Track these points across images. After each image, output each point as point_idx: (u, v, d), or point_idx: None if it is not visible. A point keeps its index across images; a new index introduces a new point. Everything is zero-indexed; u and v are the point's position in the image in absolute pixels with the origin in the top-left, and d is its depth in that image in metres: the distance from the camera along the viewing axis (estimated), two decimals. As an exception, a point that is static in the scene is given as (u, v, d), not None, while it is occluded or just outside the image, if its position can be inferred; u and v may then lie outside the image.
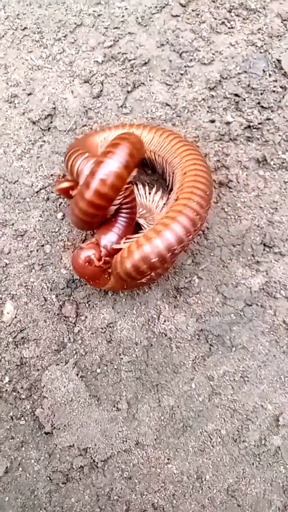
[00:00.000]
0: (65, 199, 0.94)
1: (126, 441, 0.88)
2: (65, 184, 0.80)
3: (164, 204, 0.82)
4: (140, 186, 0.87)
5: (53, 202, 0.93)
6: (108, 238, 0.77)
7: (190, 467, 0.89)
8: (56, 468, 0.88)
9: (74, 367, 0.90)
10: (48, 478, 0.88)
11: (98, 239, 0.77)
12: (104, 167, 0.69)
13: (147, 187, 0.87)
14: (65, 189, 0.79)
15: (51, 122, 0.95)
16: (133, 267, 0.69)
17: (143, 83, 0.97)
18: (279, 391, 0.91)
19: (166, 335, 0.90)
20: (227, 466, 0.89)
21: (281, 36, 0.98)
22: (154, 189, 0.86)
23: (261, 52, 0.97)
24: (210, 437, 0.89)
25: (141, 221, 0.82)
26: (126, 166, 0.69)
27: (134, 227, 0.82)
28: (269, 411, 0.90)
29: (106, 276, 0.78)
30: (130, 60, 0.97)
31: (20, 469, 0.89)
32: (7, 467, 0.89)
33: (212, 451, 0.89)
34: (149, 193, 0.86)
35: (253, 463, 0.89)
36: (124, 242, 0.76)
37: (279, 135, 0.92)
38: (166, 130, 0.87)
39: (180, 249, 0.70)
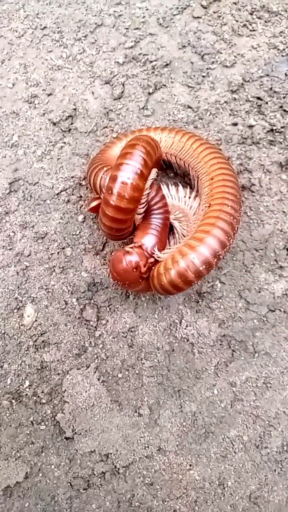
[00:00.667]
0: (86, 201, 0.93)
1: (148, 447, 0.88)
2: (95, 203, 0.80)
3: (198, 206, 0.82)
4: (171, 186, 0.86)
5: (74, 205, 0.93)
6: (148, 241, 0.77)
7: (212, 473, 0.89)
8: (77, 474, 0.88)
9: (95, 372, 0.89)
10: (69, 484, 0.88)
11: (138, 242, 0.77)
12: (122, 171, 0.69)
13: (180, 188, 0.86)
14: (96, 207, 0.79)
15: (72, 124, 0.95)
16: (180, 277, 0.69)
17: (165, 85, 0.97)
18: (301, 397, 0.91)
19: (188, 340, 0.90)
20: (249, 473, 0.89)
21: (303, 39, 0.98)
22: (187, 191, 0.86)
23: (283, 56, 0.98)
24: (232, 443, 0.89)
25: (175, 223, 0.82)
26: (144, 165, 0.70)
27: (169, 228, 0.82)
28: (291, 417, 0.90)
29: (141, 280, 0.77)
30: (151, 62, 0.97)
31: (40, 474, 0.88)
32: (27, 472, 0.88)
33: (234, 458, 0.89)
34: (184, 196, 0.85)
35: (275, 470, 0.89)
36: (163, 253, 0.76)
37: (302, 139, 0.92)
38: (186, 133, 0.87)
39: (224, 253, 0.70)
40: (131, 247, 0.76)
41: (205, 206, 0.75)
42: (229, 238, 0.70)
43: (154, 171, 0.76)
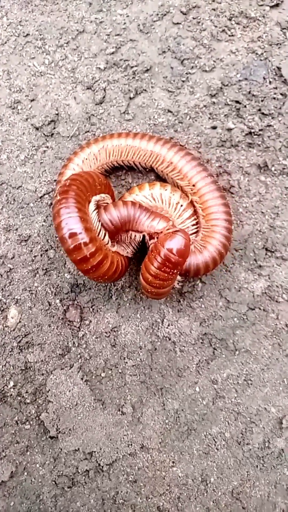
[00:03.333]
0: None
1: (131, 444, 0.93)
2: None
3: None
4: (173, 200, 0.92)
5: (57, 208, 0.98)
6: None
7: (195, 470, 0.94)
8: (61, 472, 0.93)
9: (79, 371, 0.94)
10: (54, 482, 0.93)
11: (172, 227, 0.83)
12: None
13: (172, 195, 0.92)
14: None
15: (54, 128, 1.01)
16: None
17: (145, 90, 1.02)
18: (282, 394, 0.96)
19: (170, 339, 0.96)
20: (232, 469, 0.94)
21: (280, 44, 1.04)
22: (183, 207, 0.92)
23: (261, 60, 1.04)
24: (214, 440, 0.94)
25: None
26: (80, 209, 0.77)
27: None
28: (272, 414, 0.96)
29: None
30: (132, 67, 1.03)
31: (25, 473, 0.93)
32: (12, 471, 0.93)
33: (217, 454, 0.94)
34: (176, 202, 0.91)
35: (257, 466, 0.94)
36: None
37: (280, 142, 0.98)
38: (176, 151, 0.93)
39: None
40: (177, 230, 0.79)
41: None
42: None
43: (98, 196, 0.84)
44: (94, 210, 0.81)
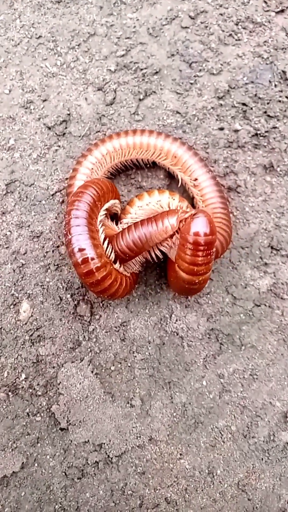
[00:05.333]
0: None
1: (139, 437, 0.97)
2: None
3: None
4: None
5: (68, 205, 1.03)
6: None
7: (201, 462, 0.98)
8: (71, 463, 0.97)
9: (89, 365, 0.99)
10: (64, 474, 0.97)
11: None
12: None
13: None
14: None
15: (66, 128, 1.05)
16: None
17: (155, 92, 1.08)
18: (287, 388, 1.01)
19: (178, 334, 1.00)
20: (238, 461, 0.99)
21: (285, 48, 1.10)
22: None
23: (267, 64, 1.09)
24: (221, 433, 0.99)
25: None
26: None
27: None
28: (277, 408, 1.00)
29: None
30: (141, 69, 1.08)
31: (36, 464, 0.97)
32: (23, 462, 0.97)
33: (223, 447, 0.99)
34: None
35: (262, 458, 0.99)
36: None
37: (285, 143, 1.04)
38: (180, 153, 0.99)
39: None
40: (193, 213, 0.81)
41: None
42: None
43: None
44: (101, 226, 0.86)
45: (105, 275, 0.82)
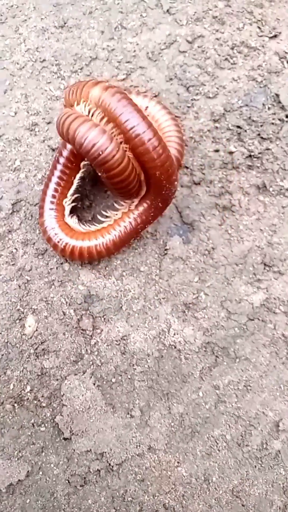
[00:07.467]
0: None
1: (139, 446, 1.04)
2: None
3: None
4: None
5: (71, 223, 1.10)
6: None
7: (198, 469, 1.05)
8: (74, 471, 1.03)
9: (91, 377, 1.05)
10: (67, 481, 1.03)
11: None
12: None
13: None
14: None
15: (69, 149, 1.12)
16: None
17: (154, 114, 1.14)
18: (279, 399, 1.08)
19: (175, 347, 1.07)
20: (232, 469, 1.05)
21: (279, 72, 1.17)
22: None
23: (261, 87, 1.16)
24: (216, 441, 1.06)
25: None
26: None
27: None
28: (270, 418, 1.07)
29: None
30: (141, 93, 1.14)
31: (41, 473, 1.03)
32: (28, 471, 1.03)
33: (218, 455, 1.06)
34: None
35: (255, 466, 1.06)
36: None
37: (277, 164, 1.11)
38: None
39: None
40: None
41: None
42: None
43: None
44: None
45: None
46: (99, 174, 0.89)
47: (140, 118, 0.85)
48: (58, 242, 0.99)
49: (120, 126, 0.85)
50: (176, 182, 0.95)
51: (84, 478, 1.05)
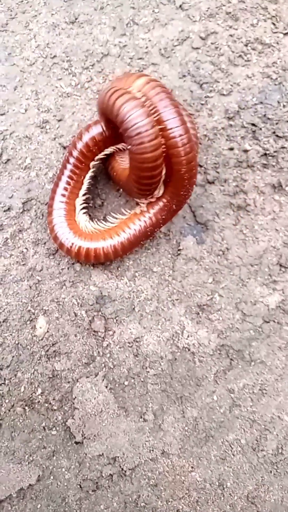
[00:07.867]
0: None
1: (152, 450, 1.02)
2: None
3: None
4: None
5: (82, 223, 1.08)
6: None
7: (212, 475, 1.03)
8: (86, 476, 1.01)
9: (103, 380, 1.03)
10: (79, 486, 1.02)
11: None
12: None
13: None
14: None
15: (80, 147, 1.10)
16: None
17: (167, 112, 1.12)
18: (294, 402, 1.06)
19: (189, 350, 1.05)
20: (247, 474, 1.03)
21: (294, 69, 1.15)
22: None
23: (276, 84, 1.14)
24: (231, 446, 1.04)
25: None
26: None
27: None
28: (285, 422, 1.05)
29: None
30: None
31: (52, 477, 1.02)
32: (39, 475, 1.02)
33: (233, 460, 1.04)
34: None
35: (271, 471, 1.04)
36: None
37: (293, 163, 1.09)
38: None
39: None
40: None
41: None
42: None
43: None
44: None
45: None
46: (129, 158, 0.89)
47: (176, 113, 0.88)
48: (65, 241, 0.98)
49: (158, 115, 0.87)
50: (194, 185, 0.96)
51: (96, 483, 1.03)
